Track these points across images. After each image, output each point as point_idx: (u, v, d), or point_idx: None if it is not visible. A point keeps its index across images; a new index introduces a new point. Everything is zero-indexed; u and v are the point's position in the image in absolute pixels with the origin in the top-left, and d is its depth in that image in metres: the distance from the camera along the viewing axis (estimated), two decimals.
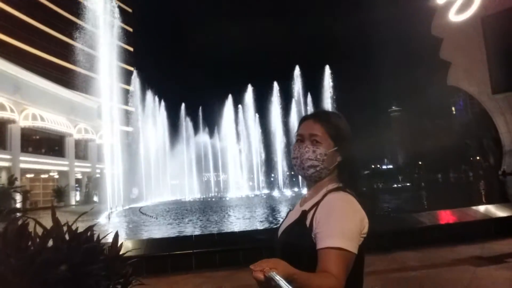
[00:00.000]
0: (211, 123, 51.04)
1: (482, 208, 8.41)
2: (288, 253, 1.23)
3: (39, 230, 2.27)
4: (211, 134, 51.23)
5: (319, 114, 1.38)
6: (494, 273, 4.66)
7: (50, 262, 2.00)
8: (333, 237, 1.12)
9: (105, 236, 2.51)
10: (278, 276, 0.93)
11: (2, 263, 1.91)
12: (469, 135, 53.53)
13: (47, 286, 1.93)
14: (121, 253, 2.60)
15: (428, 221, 7.68)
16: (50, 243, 2.20)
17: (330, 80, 44.94)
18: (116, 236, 2.65)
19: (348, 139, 1.35)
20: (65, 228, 2.35)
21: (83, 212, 2.55)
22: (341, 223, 1.15)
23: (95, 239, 2.47)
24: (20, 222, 2.18)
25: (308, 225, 1.22)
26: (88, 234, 2.42)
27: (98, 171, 46.10)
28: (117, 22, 31.44)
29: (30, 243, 2.13)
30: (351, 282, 1.15)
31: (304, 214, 1.27)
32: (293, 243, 1.25)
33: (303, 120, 1.41)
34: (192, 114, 50.51)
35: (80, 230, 2.34)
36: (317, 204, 1.25)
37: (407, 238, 6.54)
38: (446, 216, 8.23)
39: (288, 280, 0.94)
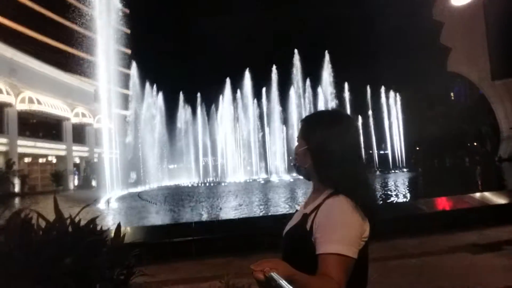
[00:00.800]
0: (210, 107, 50.75)
1: (479, 195, 8.49)
2: (290, 255, 1.28)
3: (42, 222, 2.27)
4: (209, 118, 51.05)
5: (304, 117, 1.43)
6: (491, 261, 4.73)
7: (54, 256, 2.01)
8: (332, 243, 1.13)
9: (108, 229, 2.52)
10: (278, 277, 0.95)
11: (6, 257, 1.91)
12: (468, 121, 53.59)
13: (52, 280, 1.93)
14: (121, 236, 2.61)
15: (426, 208, 7.76)
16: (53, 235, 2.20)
17: (328, 65, 44.73)
18: (119, 227, 2.66)
19: (320, 137, 1.28)
20: (68, 220, 2.36)
21: (85, 205, 2.54)
22: (340, 229, 1.16)
23: (98, 231, 2.48)
24: (23, 215, 2.16)
25: (308, 229, 1.23)
26: (91, 226, 2.43)
27: (96, 155, 46.06)
28: (115, 4, 30.87)
29: (33, 235, 2.14)
30: (354, 285, 1.18)
31: (305, 217, 1.28)
32: (294, 245, 1.28)
33: None
34: (190, 98, 49.99)
35: (81, 217, 2.34)
36: (317, 207, 1.25)
37: (405, 225, 6.59)
38: (444, 203, 8.31)
39: (289, 280, 0.96)
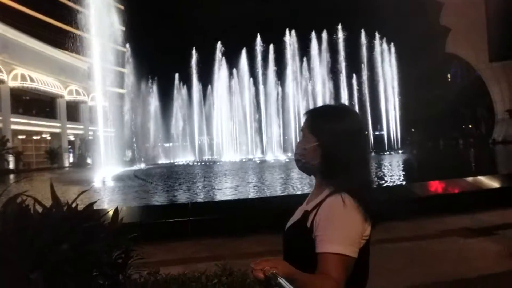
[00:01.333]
0: (206, 86, 50.23)
1: (472, 179, 8.59)
2: (289, 251, 1.29)
3: (38, 207, 2.26)
4: (205, 97, 50.63)
5: (310, 109, 1.38)
6: (482, 245, 4.82)
7: (51, 242, 2.01)
8: (332, 243, 1.13)
9: (106, 214, 2.51)
10: (278, 276, 0.96)
11: (2, 243, 1.90)
12: (463, 103, 53.68)
13: (49, 266, 1.93)
14: (118, 220, 2.61)
15: (419, 191, 7.85)
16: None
17: (325, 44, 44.24)
18: (116, 211, 2.65)
19: (332, 134, 1.26)
20: (65, 205, 2.35)
21: (82, 191, 2.53)
22: (341, 228, 1.15)
23: (95, 216, 2.48)
24: (19, 200, 2.14)
25: (308, 226, 1.23)
26: (88, 211, 2.42)
27: (90, 133, 45.81)
28: None
29: (30, 222, 2.12)
30: (354, 283, 1.19)
31: (305, 214, 1.27)
32: (294, 242, 1.29)
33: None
34: (186, 76, 49.35)
35: (79, 198, 2.33)
36: (319, 205, 1.24)
37: (398, 208, 6.66)
38: (437, 187, 8.41)
39: (288, 280, 0.96)
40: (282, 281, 0.95)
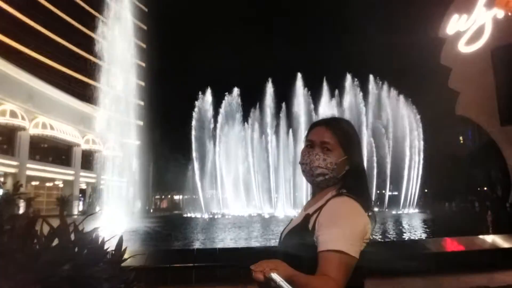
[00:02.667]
0: (216, 140, 50.94)
1: (489, 238, 8.26)
2: (290, 256, 1.25)
3: (45, 229, 2.28)
4: (214, 151, 51.15)
5: (330, 122, 1.38)
6: None
7: (55, 261, 2.00)
8: (334, 240, 1.12)
9: (109, 239, 2.50)
10: (278, 277, 0.95)
11: (8, 258, 1.91)
12: (477, 166, 52.91)
13: (50, 284, 1.92)
14: (124, 258, 2.58)
15: (434, 248, 7.55)
16: (56, 241, 2.20)
17: (336, 107, 45.30)
18: (121, 240, 2.64)
19: (358, 148, 1.35)
20: (71, 228, 2.36)
21: (90, 213, 2.56)
22: (343, 227, 1.15)
23: (99, 241, 2.47)
24: (28, 219, 2.18)
25: (310, 228, 1.23)
26: (93, 235, 2.42)
27: (102, 182, 46.21)
28: (132, 37, 32.18)
29: (36, 240, 2.14)
30: (352, 286, 1.15)
31: (307, 217, 1.28)
32: (295, 245, 1.27)
33: (314, 126, 1.41)
34: (197, 131, 50.39)
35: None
36: (320, 208, 1.26)
37: (413, 264, 6.39)
38: (453, 244, 8.09)
39: (288, 281, 0.96)
40: (283, 282, 0.94)
